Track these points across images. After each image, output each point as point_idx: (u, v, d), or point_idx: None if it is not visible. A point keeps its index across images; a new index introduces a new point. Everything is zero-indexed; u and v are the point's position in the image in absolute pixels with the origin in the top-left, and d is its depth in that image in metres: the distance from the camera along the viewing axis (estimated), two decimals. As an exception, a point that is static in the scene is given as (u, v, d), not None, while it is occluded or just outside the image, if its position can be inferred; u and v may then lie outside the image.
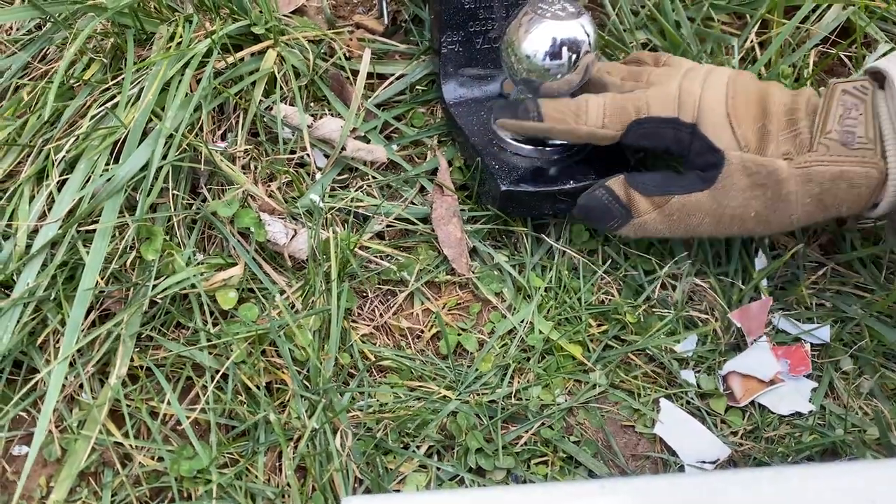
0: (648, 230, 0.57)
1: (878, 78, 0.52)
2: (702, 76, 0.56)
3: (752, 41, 0.75)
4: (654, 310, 0.60)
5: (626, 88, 0.58)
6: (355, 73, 0.67)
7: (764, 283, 0.62)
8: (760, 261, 0.63)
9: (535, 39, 0.56)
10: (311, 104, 0.68)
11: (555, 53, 0.56)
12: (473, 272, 0.62)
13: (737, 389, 0.57)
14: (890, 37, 0.76)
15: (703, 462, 0.54)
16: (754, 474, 0.38)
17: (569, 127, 0.57)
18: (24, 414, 0.53)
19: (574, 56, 0.56)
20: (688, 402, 0.57)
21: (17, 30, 0.70)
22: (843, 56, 0.75)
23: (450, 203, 0.63)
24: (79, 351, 0.52)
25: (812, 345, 0.60)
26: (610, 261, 0.63)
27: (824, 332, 0.60)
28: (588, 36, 0.56)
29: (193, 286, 0.54)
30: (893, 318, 0.60)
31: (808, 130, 0.52)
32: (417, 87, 0.70)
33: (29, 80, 0.64)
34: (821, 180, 0.51)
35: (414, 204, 0.64)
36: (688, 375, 0.58)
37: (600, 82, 0.61)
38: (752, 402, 0.57)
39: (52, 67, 0.65)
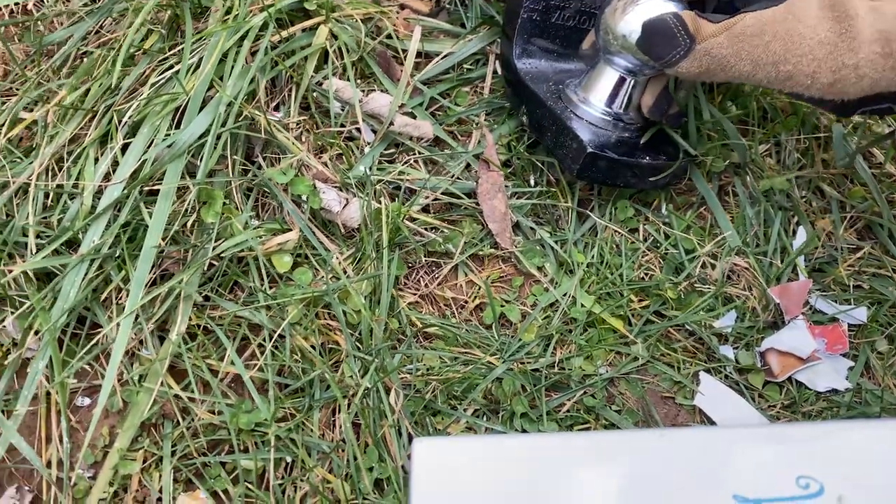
0: (714, 57, 0.53)
1: None
2: None
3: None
4: (694, 286, 0.62)
5: None
6: (402, 51, 0.69)
7: (802, 263, 0.63)
8: (799, 240, 0.65)
9: (630, 20, 0.57)
10: (358, 80, 0.70)
11: None
12: (516, 246, 0.63)
13: (774, 365, 0.58)
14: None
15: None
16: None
17: None
18: (87, 367, 0.54)
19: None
20: (726, 377, 0.59)
21: (76, 1, 0.71)
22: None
23: (495, 179, 0.65)
24: (140, 307, 0.54)
25: (849, 325, 0.61)
26: (651, 238, 0.64)
27: (861, 313, 0.61)
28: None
29: (251, 249, 0.56)
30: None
31: None
32: (463, 65, 0.72)
33: (91, 47, 0.66)
34: (891, 15, 0.48)
35: (459, 179, 0.66)
36: (726, 350, 0.59)
37: None
38: (790, 379, 0.59)
39: (111, 37, 0.67)
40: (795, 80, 0.52)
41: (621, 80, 0.62)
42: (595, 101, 0.63)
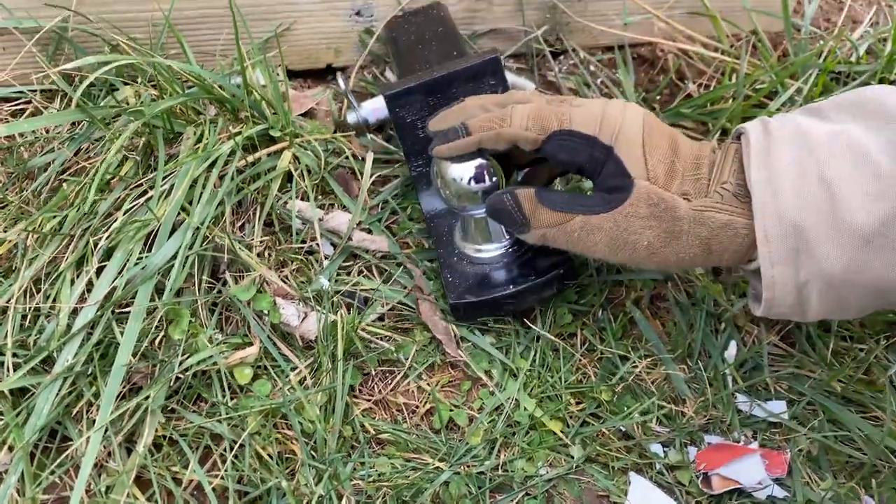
0: (548, 242, 0.60)
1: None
2: (621, 106, 0.59)
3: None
4: (629, 388, 0.67)
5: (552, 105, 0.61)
6: (359, 171, 0.75)
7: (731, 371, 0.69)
8: (731, 351, 0.70)
9: (456, 168, 0.62)
10: (320, 196, 0.76)
11: (478, 177, 0.63)
12: (464, 352, 0.68)
13: (715, 483, 0.62)
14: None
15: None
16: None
17: (495, 131, 0.59)
18: (57, 480, 0.58)
19: (494, 178, 0.63)
20: (659, 474, 0.63)
21: (57, 128, 0.77)
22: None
23: (430, 304, 0.70)
24: (110, 422, 0.58)
25: (770, 423, 0.67)
26: (587, 343, 0.69)
27: (784, 413, 0.67)
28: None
29: (214, 363, 0.61)
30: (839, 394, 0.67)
31: (707, 177, 0.56)
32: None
33: (69, 174, 0.72)
34: (711, 225, 0.55)
35: (412, 292, 0.71)
36: (657, 448, 0.64)
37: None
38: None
39: (89, 163, 0.73)
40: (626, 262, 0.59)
41: (479, 221, 0.68)
42: (468, 243, 0.69)
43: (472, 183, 0.62)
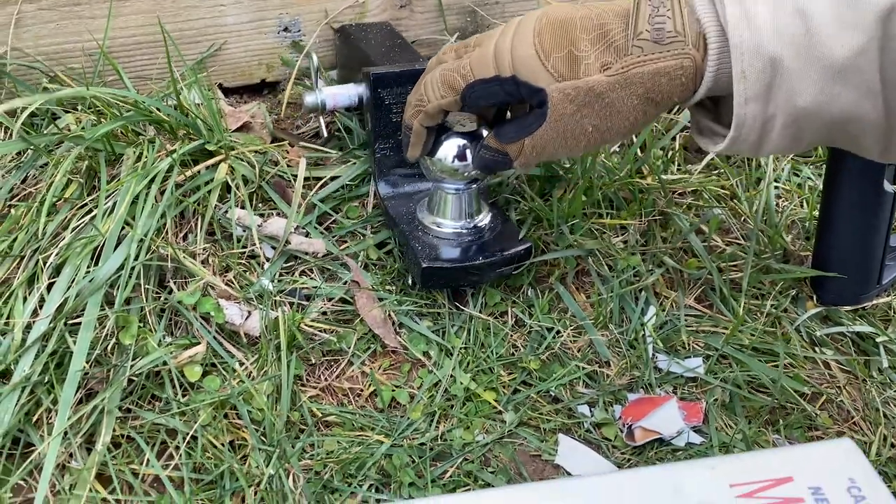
0: (530, 165, 0.64)
1: None
2: (513, 28, 0.60)
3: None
4: (556, 356, 0.72)
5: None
6: (294, 177, 0.80)
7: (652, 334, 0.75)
8: (650, 314, 0.76)
9: (441, 148, 0.70)
10: (260, 204, 0.80)
11: (460, 155, 0.70)
12: (402, 338, 0.73)
13: (638, 435, 0.68)
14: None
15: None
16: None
17: (422, 112, 0.65)
18: (21, 483, 0.62)
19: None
20: (587, 432, 0.69)
21: (2, 158, 0.81)
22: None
23: (368, 295, 0.75)
24: (69, 425, 0.62)
25: (686, 378, 0.72)
26: (517, 319, 0.75)
27: (700, 367, 0.72)
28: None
29: (165, 363, 0.65)
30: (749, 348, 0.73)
31: (622, 36, 0.55)
32: (350, 184, 0.83)
33: (17, 200, 0.76)
34: (641, 80, 0.55)
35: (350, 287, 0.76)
36: (584, 409, 0.69)
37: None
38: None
39: (35, 188, 0.77)
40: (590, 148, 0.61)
41: (454, 197, 0.74)
42: (437, 218, 0.75)
43: (455, 161, 0.70)
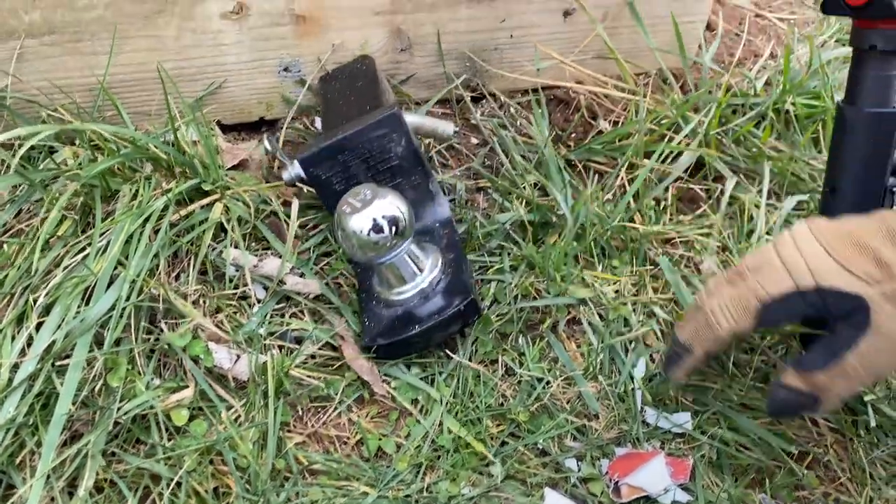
0: (846, 395, 0.59)
1: None
2: (787, 239, 0.59)
3: (622, 178, 0.91)
4: (545, 408, 0.72)
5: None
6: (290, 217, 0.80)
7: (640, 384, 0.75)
8: (640, 368, 0.76)
9: (356, 220, 0.68)
10: (254, 244, 0.81)
11: (377, 228, 0.68)
12: (391, 386, 0.73)
13: (624, 493, 0.67)
14: (734, 170, 0.92)
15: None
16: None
17: (713, 338, 0.62)
18: (2, 526, 0.61)
19: (393, 227, 0.68)
20: (573, 487, 0.69)
21: (-1, 191, 0.81)
22: (697, 189, 0.92)
23: (353, 347, 0.75)
24: (52, 468, 0.61)
25: (675, 434, 0.72)
26: (507, 368, 0.75)
27: (687, 423, 0.72)
28: (397, 212, 0.69)
29: (152, 407, 0.65)
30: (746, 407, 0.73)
31: None
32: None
33: (9, 235, 0.76)
34: None
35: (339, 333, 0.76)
36: (571, 463, 0.69)
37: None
38: (626, 485, 0.68)
39: (28, 224, 0.77)
40: None
41: (385, 267, 0.73)
42: (381, 288, 0.75)
43: (372, 234, 0.68)
